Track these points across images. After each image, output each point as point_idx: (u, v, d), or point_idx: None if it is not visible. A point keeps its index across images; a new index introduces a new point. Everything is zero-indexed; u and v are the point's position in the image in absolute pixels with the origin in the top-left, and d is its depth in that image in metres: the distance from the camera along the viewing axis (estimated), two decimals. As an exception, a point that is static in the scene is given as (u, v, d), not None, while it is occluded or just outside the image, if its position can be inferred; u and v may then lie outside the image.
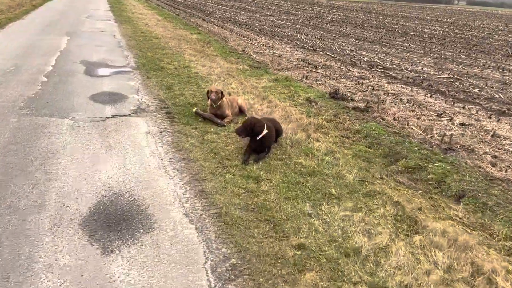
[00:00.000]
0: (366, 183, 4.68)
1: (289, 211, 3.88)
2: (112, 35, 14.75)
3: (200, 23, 19.99)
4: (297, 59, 12.33)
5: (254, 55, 12.32)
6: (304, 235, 3.53)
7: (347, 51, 14.40)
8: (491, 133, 6.52)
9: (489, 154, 5.67)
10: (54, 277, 2.81)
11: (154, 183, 4.20)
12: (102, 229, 3.38)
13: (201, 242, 3.29)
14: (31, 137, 5.18)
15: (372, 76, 10.63)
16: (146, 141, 5.30)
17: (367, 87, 9.23)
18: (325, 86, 9.10)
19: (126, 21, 19.00)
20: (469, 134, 6.46)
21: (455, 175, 4.90)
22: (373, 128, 6.39)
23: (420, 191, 4.62)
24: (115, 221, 3.50)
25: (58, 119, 5.90)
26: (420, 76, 10.99)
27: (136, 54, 11.36)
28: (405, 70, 11.79)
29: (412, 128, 6.60)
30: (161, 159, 4.78)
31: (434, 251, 3.46)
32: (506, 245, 3.58)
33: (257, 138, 5.03)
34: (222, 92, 6.26)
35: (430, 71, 12.06)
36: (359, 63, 12.44)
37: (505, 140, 6.25)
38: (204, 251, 3.18)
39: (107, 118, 6.09)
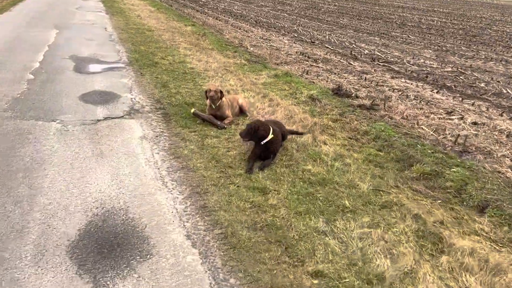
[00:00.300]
0: (381, 192, 4.32)
1: (301, 228, 3.51)
2: (103, 27, 14.19)
3: (194, 14, 19.43)
4: (296, 52, 11.91)
5: (251, 48, 11.88)
6: (320, 259, 3.16)
7: (346, 44, 13.99)
8: (505, 132, 6.18)
9: (507, 157, 5.33)
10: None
11: (151, 197, 3.80)
12: (93, 256, 2.98)
13: (206, 271, 2.90)
14: (15, 145, 4.74)
15: (375, 70, 10.24)
16: (141, 147, 4.89)
17: (371, 83, 8.84)
18: (327, 81, 8.70)
19: (117, 12, 18.40)
20: (483, 134, 6.11)
21: (475, 182, 4.55)
22: (382, 128, 6.02)
23: (439, 201, 4.27)
24: (108, 246, 3.10)
25: (45, 122, 5.46)
26: (423, 70, 10.62)
27: (128, 48, 10.87)
28: (407, 63, 11.41)
29: (422, 128, 6.24)
30: (158, 168, 4.37)
31: (465, 275, 3.12)
32: (543, 267, 3.24)
33: (262, 142, 4.64)
34: (221, 92, 5.84)
35: (433, 64, 11.70)
36: (359, 56, 12.04)
37: (522, 141, 5.91)
38: (210, 283, 2.80)
39: (98, 120, 5.66)
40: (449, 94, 8.39)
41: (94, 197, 3.74)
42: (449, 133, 6.09)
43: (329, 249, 3.29)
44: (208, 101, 5.88)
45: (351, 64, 10.82)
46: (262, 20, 19.11)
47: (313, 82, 8.55)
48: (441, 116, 6.89)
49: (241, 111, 6.30)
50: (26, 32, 12.26)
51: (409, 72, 10.34)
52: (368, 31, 17.72)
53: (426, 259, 3.30)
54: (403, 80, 9.40)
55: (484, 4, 53.11)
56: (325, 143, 5.48)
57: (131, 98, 6.72)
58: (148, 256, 3.02)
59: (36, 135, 5.04)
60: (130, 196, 3.79)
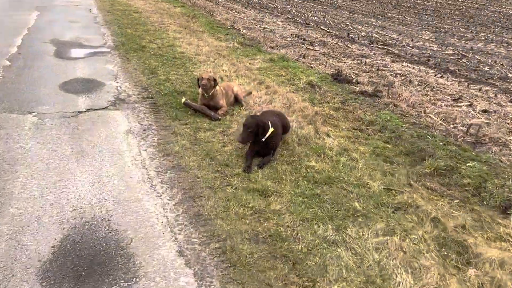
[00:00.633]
0: (393, 192, 3.91)
1: (309, 239, 3.09)
2: (87, 9, 13.48)
3: (183, -5, 18.65)
4: (291, 34, 11.37)
5: (244, 31, 11.30)
6: (334, 277, 2.75)
7: (342, 25, 13.47)
8: (519, 121, 5.78)
9: (525, 149, 4.94)
10: None
11: (137, 204, 3.34)
12: (68, 282, 2.53)
13: (203, 298, 2.47)
14: (-16, 142, 4.24)
15: (374, 54, 9.77)
16: (127, 143, 4.40)
17: (371, 67, 8.38)
18: (325, 66, 8.22)
19: (102, -7, 17.56)
20: (495, 123, 5.71)
21: (495, 179, 4.15)
22: (388, 118, 5.59)
23: (457, 201, 3.87)
24: (86, 267, 2.65)
25: (19, 115, 4.93)
26: (424, 53, 10.18)
27: (114, 31, 10.24)
28: (406, 46, 10.95)
29: (430, 117, 5.82)
30: (146, 168, 3.90)
31: (498, 294, 2.73)
32: None
33: (262, 139, 4.18)
34: (215, 79, 5.35)
35: (433, 46, 11.27)
36: (357, 38, 11.55)
37: (537, 130, 5.52)
38: (209, 315, 2.37)
39: (80, 112, 5.14)
40: (454, 79, 7.96)
41: (72, 204, 3.27)
42: (459, 122, 5.68)
43: (342, 263, 2.88)
44: (200, 90, 5.38)
45: (349, 47, 10.33)
46: (254, 0, 18.43)
47: (311, 67, 8.06)
48: (449, 103, 6.48)
49: (236, 100, 5.82)
50: (4, 15, 11.53)
51: (410, 55, 9.89)
52: (363, 12, 17.17)
53: (451, 272, 2.91)
54: (404, 64, 8.94)
55: (478, -16, 52.41)
56: (328, 135, 5.04)
57: (117, 87, 6.19)
58: (134, 280, 2.57)
59: (9, 130, 4.52)
60: (114, 203, 3.32)
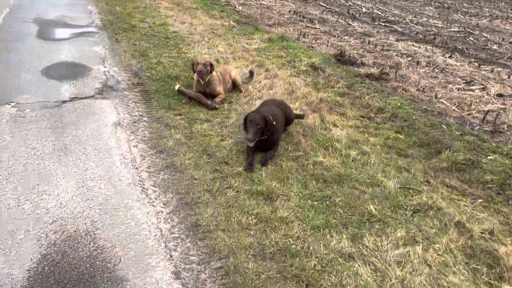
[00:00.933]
0: (411, 191, 3.55)
1: (322, 253, 2.72)
2: (73, -16, 12.74)
3: (174, -31, 17.82)
4: (289, 11, 10.82)
5: (240, 7, 10.73)
6: (353, 301, 2.39)
7: (342, 1, 12.89)
8: (537, 107, 5.41)
9: (547, 139, 4.57)
10: None
11: (127, 213, 2.94)
12: (46, 316, 2.16)
13: (204, 335, 2.12)
14: (-45, 139, 3.80)
15: (377, 32, 9.28)
16: (116, 138, 3.97)
17: (375, 47, 7.92)
18: (327, 46, 7.74)
19: (90, -33, 16.72)
20: (512, 109, 5.33)
21: (520, 175, 3.79)
22: (398, 104, 5.20)
23: (480, 200, 3.53)
24: (68, 296, 2.28)
25: (-4, 106, 4.48)
26: (429, 31, 9.70)
27: (102, 8, 9.65)
28: (410, 23, 10.45)
29: (442, 102, 5.43)
30: (136, 168, 3.50)
31: (540, 317, 2.39)
32: None
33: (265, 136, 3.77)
34: (211, 64, 4.89)
35: (437, 23, 10.78)
36: (358, 15, 11.02)
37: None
38: None
39: (63, 102, 4.69)
40: (463, 59, 7.54)
41: (52, 215, 2.87)
42: (474, 108, 5.30)
43: (362, 282, 2.53)
44: (195, 76, 4.93)
45: (351, 24, 9.82)
46: (249, -25, 17.65)
47: (312, 47, 7.59)
48: (460, 86, 6.08)
49: (234, 86, 5.37)
50: (-15, -9, 10.84)
51: (415, 33, 9.42)
52: (363, -13, 16.50)
53: (484, 291, 2.57)
54: (409, 42, 8.49)
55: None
56: (335, 125, 4.65)
57: (105, 71, 5.72)
58: (123, 312, 2.21)
59: (-17, 124, 4.08)
60: (100, 212, 2.93)
